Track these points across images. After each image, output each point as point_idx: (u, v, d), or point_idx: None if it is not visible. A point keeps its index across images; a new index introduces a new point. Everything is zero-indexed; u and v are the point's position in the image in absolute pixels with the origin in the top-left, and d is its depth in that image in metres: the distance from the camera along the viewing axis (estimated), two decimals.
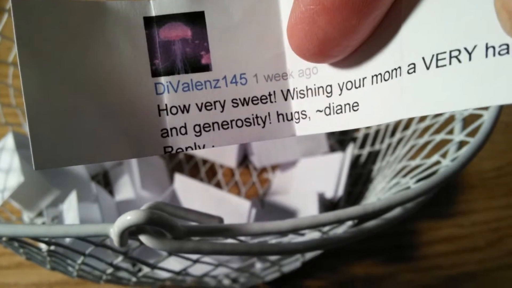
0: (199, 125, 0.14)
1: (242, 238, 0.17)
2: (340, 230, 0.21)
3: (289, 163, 0.32)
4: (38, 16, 0.13)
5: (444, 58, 0.12)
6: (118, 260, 0.19)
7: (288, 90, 0.15)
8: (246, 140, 0.15)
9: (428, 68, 0.12)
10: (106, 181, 0.31)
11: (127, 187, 0.30)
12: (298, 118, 0.15)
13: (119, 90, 0.14)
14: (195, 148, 0.14)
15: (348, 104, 0.14)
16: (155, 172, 0.32)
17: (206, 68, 0.15)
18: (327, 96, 0.15)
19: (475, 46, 0.11)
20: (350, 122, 0.14)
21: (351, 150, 0.30)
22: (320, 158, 0.31)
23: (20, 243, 0.19)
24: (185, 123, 0.14)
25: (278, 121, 0.15)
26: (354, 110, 0.14)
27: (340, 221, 0.16)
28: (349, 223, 0.23)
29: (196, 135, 0.14)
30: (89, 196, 0.27)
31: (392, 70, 0.13)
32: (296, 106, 0.15)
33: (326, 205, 0.29)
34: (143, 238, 0.15)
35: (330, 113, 0.14)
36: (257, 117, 0.15)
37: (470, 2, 0.11)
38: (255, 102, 0.15)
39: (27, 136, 0.29)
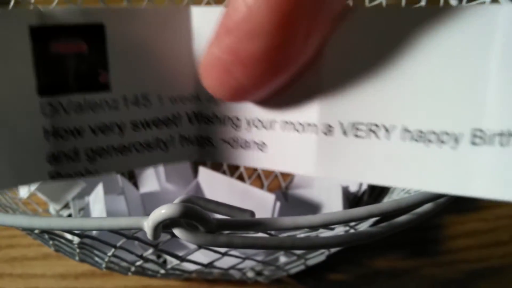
0: (92, 150, 0.13)
1: (272, 232, 0.17)
2: (365, 225, 0.21)
3: None
4: None
5: (362, 130, 0.12)
6: (148, 252, 0.19)
7: (194, 113, 0.14)
8: (146, 165, 0.14)
9: (345, 135, 0.12)
10: (130, 174, 0.31)
11: (151, 180, 0.30)
12: (203, 144, 0.14)
13: (2, 107, 0.12)
14: (86, 175, 0.13)
15: (255, 142, 0.14)
16: (179, 164, 0.32)
17: (104, 87, 0.13)
18: (234, 128, 0.14)
19: (393, 127, 0.11)
20: (257, 161, 0.14)
21: None
22: None
23: (51, 235, 0.19)
24: (75, 147, 0.13)
25: (182, 146, 0.14)
26: (261, 151, 0.13)
27: (372, 216, 0.16)
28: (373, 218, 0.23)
29: (88, 161, 0.13)
30: (115, 189, 0.28)
31: (307, 124, 0.13)
32: (201, 131, 0.14)
33: (350, 199, 0.29)
34: (176, 231, 0.15)
35: (236, 147, 0.14)
36: (158, 140, 0.14)
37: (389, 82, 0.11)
38: (157, 124, 0.14)
39: None
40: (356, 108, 0.12)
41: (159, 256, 0.26)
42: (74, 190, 0.28)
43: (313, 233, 0.21)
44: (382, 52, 0.11)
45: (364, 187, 0.28)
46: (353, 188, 0.29)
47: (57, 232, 0.19)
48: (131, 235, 0.17)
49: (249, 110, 0.14)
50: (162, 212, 0.15)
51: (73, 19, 0.12)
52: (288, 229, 0.16)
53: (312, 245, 0.17)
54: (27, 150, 0.12)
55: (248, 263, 0.23)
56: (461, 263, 0.29)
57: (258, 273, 0.25)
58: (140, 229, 0.16)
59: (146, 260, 0.20)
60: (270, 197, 0.26)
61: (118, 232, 0.17)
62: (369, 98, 0.11)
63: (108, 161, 0.13)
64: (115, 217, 0.16)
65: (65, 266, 0.28)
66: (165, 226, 0.16)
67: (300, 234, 0.20)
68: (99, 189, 0.26)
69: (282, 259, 0.24)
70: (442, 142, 0.11)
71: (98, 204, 0.26)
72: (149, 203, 0.29)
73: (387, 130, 0.11)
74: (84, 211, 0.27)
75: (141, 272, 0.23)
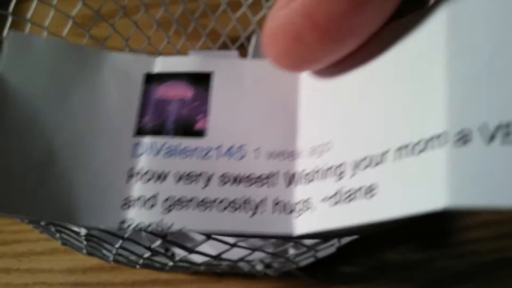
0: (172, 199, 0.12)
1: None
2: None
3: None
4: (32, 54, 0.12)
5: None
6: (157, 244, 0.19)
7: (294, 174, 0.13)
8: (226, 229, 0.12)
9: (489, 143, 0.09)
10: None
11: None
12: (300, 210, 0.12)
13: (93, 146, 0.12)
14: (160, 228, 0.12)
15: (363, 188, 0.11)
16: None
17: (200, 133, 0.13)
18: (337, 179, 0.12)
19: None
20: (362, 214, 0.11)
21: None
22: None
23: (58, 227, 0.19)
24: (156, 193, 0.12)
25: (274, 211, 0.12)
26: (371, 196, 0.11)
27: None
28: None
29: (165, 211, 0.12)
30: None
31: (428, 140, 0.10)
32: (300, 194, 0.13)
33: None
34: None
35: (338, 202, 0.11)
36: (247, 201, 0.12)
37: None
38: (249, 182, 0.13)
39: None
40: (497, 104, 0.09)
41: (167, 249, 0.26)
42: None
43: None
44: None
45: None
46: None
47: (64, 223, 0.19)
48: None
49: (356, 148, 0.11)
50: None
51: (185, 68, 0.13)
52: None
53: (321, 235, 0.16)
54: (107, 192, 0.12)
55: (257, 255, 0.23)
56: (474, 255, 0.29)
57: (267, 266, 0.24)
58: None
59: (154, 252, 0.20)
60: None
61: None
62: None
63: (184, 215, 0.12)
64: None
65: (73, 261, 0.28)
66: None
67: None
68: None
69: (291, 251, 0.24)
70: None
71: None
72: None
73: None
74: None
75: (149, 265, 0.23)
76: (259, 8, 0.31)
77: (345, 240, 0.24)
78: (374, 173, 0.11)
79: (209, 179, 0.12)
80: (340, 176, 0.11)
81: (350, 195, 0.11)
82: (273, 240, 0.23)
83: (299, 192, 0.12)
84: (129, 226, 0.12)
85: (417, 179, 0.10)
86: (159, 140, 0.13)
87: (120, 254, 0.21)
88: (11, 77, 0.12)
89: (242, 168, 0.13)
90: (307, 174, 0.12)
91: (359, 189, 0.11)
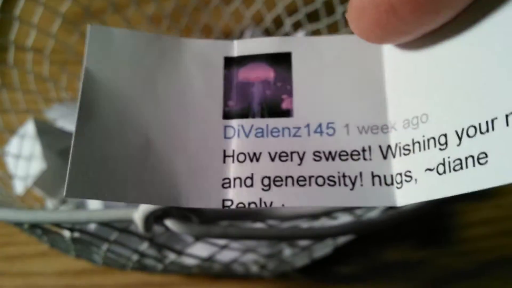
0: (269, 178, 0.12)
1: (272, 222, 0.17)
2: (373, 214, 0.20)
3: None
4: (113, 46, 0.13)
5: None
6: (144, 246, 0.18)
7: (389, 146, 0.13)
8: (326, 202, 0.12)
9: None
10: None
11: None
12: (401, 181, 0.12)
13: (185, 131, 0.13)
14: (260, 205, 0.12)
15: (472, 156, 0.11)
16: None
17: (287, 113, 0.13)
18: (440, 149, 0.11)
19: None
20: (473, 182, 0.11)
21: None
22: None
23: (43, 230, 0.18)
24: (252, 174, 0.12)
25: (373, 184, 0.12)
26: (480, 164, 0.11)
27: None
28: (382, 207, 0.22)
29: (263, 189, 0.12)
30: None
31: None
32: (399, 166, 0.12)
33: None
34: (169, 222, 0.15)
35: (444, 171, 0.11)
36: (344, 176, 0.12)
37: None
38: (343, 157, 0.12)
39: (47, 123, 0.29)
40: None
41: (160, 251, 0.25)
42: None
43: (317, 223, 0.20)
44: None
45: None
46: None
47: (51, 227, 0.18)
48: (124, 228, 0.17)
49: (457, 118, 0.11)
50: None
51: (264, 49, 0.13)
52: (287, 218, 0.15)
53: (313, 235, 0.16)
54: (205, 173, 0.13)
55: (250, 257, 0.22)
56: (476, 252, 0.28)
57: (262, 267, 0.24)
58: (132, 221, 0.15)
59: (143, 254, 0.19)
60: None
61: (110, 225, 0.16)
62: None
63: (284, 192, 0.12)
64: (105, 209, 0.15)
65: (63, 264, 0.27)
66: (157, 217, 0.15)
67: (303, 225, 0.19)
68: None
69: (286, 252, 0.24)
70: None
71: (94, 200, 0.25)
72: None
73: None
74: (83, 206, 0.27)
75: (140, 267, 0.23)
76: (252, 2, 0.30)
77: (342, 240, 0.24)
78: (483, 141, 0.11)
79: (302, 157, 0.12)
80: (444, 146, 0.11)
81: (458, 164, 0.11)
82: (266, 242, 0.22)
83: (398, 164, 0.12)
84: (230, 205, 0.12)
85: None
86: (247, 122, 0.13)
87: (109, 257, 0.20)
88: (97, 70, 0.12)
89: (334, 144, 0.13)
90: (404, 146, 0.12)
91: (468, 157, 0.11)
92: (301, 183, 0.12)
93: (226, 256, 0.20)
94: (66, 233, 0.17)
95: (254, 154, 0.13)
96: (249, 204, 0.12)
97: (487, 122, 0.11)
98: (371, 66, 0.13)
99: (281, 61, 0.13)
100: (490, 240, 0.28)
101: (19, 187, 0.27)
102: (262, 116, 0.13)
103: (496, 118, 0.10)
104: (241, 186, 0.12)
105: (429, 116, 0.12)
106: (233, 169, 0.13)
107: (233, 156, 0.13)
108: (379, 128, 0.13)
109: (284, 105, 0.13)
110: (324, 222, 0.20)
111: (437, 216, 0.29)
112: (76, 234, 0.17)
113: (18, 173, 0.27)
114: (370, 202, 0.12)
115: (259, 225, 0.16)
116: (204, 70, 0.13)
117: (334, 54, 0.13)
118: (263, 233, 0.15)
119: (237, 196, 0.12)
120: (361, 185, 0.12)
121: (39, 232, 0.19)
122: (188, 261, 0.21)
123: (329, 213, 0.15)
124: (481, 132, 0.11)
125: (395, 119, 0.13)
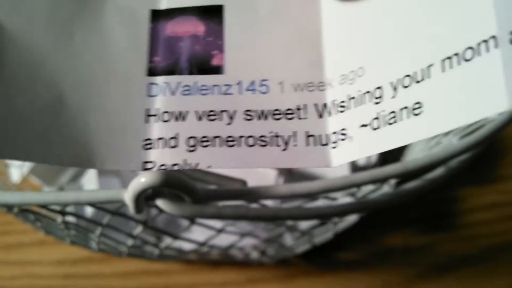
0: (195, 138, 0.12)
1: (268, 203, 0.16)
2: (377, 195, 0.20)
3: None
4: None
5: None
6: (138, 230, 0.18)
7: (325, 105, 0.12)
8: (256, 165, 0.12)
9: None
10: None
11: None
12: (336, 141, 0.12)
13: (103, 87, 0.12)
14: (185, 167, 0.12)
15: (406, 107, 0.10)
16: None
17: (217, 70, 0.12)
18: (376, 103, 0.11)
19: None
20: (407, 135, 0.10)
21: None
22: None
23: (35, 214, 0.18)
24: (177, 134, 0.12)
25: (307, 144, 0.12)
26: (415, 115, 0.10)
27: (376, 181, 0.14)
28: (386, 188, 0.21)
29: (189, 150, 0.12)
30: (110, 170, 0.26)
31: (478, 44, 0.09)
32: (334, 125, 0.12)
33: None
34: (160, 202, 0.14)
35: (379, 126, 0.11)
36: (277, 136, 0.12)
37: None
38: (277, 116, 0.12)
39: None
40: None
41: (158, 239, 0.25)
42: (68, 173, 0.26)
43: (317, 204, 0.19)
44: None
45: (374, 159, 0.27)
46: (361, 161, 0.27)
47: (42, 211, 0.18)
48: (115, 210, 0.16)
49: (393, 69, 0.11)
50: (141, 181, 0.13)
51: (194, 1, 0.12)
52: (283, 197, 0.14)
53: (311, 215, 0.15)
54: (125, 133, 0.12)
55: (250, 242, 0.22)
56: (479, 237, 0.28)
57: (262, 253, 0.23)
58: (123, 203, 0.15)
59: (138, 239, 0.19)
60: (271, 172, 0.24)
61: (102, 208, 0.16)
62: None
63: (210, 152, 0.12)
64: (94, 190, 0.15)
65: (61, 252, 0.27)
66: (148, 198, 0.14)
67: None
68: (93, 171, 0.25)
69: (286, 237, 0.23)
70: None
71: (92, 186, 0.25)
72: None
73: None
74: None
75: (137, 254, 0.22)
76: None
77: (343, 225, 0.23)
78: (418, 90, 0.10)
79: (232, 116, 0.12)
80: (379, 99, 0.11)
81: (392, 117, 0.11)
82: (264, 225, 0.22)
83: (333, 122, 0.12)
84: (152, 167, 0.12)
85: (470, 86, 0.09)
86: (174, 80, 0.12)
87: (104, 243, 0.20)
88: (8, 21, 0.11)
89: (267, 103, 0.12)
90: (340, 103, 0.12)
91: (403, 108, 0.11)
92: (230, 143, 0.12)
93: (224, 240, 0.20)
94: (59, 218, 0.17)
95: (180, 113, 0.12)
96: (173, 165, 0.12)
97: (422, 70, 0.10)
98: (308, 21, 0.13)
99: (213, 14, 0.12)
100: (493, 225, 0.28)
101: (15, 175, 0.26)
102: (191, 72, 0.12)
103: (432, 64, 0.10)
104: (164, 147, 0.12)
105: (366, 69, 0.12)
106: (157, 129, 0.12)
107: (157, 115, 0.12)
108: (315, 86, 0.12)
109: (215, 61, 0.12)
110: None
111: (440, 201, 0.29)
112: (68, 218, 0.17)
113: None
114: (304, 163, 0.12)
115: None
116: (127, 23, 0.12)
117: (269, 8, 0.13)
118: (259, 212, 0.15)
119: (159, 157, 0.12)
120: (295, 145, 0.12)
121: (31, 217, 0.18)
122: (185, 246, 0.21)
123: (326, 191, 0.14)
124: (416, 81, 0.10)
125: (332, 76, 0.12)
